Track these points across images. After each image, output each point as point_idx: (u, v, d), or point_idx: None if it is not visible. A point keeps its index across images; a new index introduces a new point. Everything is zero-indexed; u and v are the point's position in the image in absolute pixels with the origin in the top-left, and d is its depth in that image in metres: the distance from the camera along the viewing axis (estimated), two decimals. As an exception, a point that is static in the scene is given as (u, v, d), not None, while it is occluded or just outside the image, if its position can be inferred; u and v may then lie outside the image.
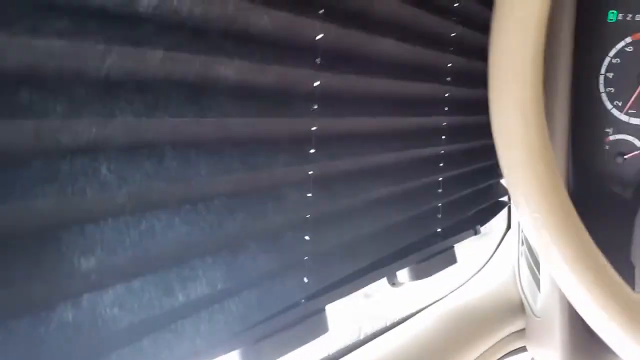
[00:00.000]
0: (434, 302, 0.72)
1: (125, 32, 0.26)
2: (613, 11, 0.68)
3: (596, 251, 0.47)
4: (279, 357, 0.43)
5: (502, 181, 0.81)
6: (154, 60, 0.28)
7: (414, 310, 0.70)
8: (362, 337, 0.63)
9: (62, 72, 0.24)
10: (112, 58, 0.26)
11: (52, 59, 0.23)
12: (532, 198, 0.42)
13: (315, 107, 0.41)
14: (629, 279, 0.70)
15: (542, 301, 0.69)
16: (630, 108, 0.70)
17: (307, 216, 0.44)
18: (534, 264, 0.71)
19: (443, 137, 0.62)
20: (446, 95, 0.62)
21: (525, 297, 0.74)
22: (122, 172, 0.27)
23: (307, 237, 0.44)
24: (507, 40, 0.44)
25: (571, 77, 0.71)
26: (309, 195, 0.43)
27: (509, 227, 0.87)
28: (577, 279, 0.44)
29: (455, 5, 0.59)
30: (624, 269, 0.70)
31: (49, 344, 0.27)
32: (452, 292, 0.76)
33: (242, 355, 0.40)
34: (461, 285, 0.78)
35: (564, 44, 0.68)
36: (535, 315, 0.72)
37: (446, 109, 0.62)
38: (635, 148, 0.71)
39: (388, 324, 0.67)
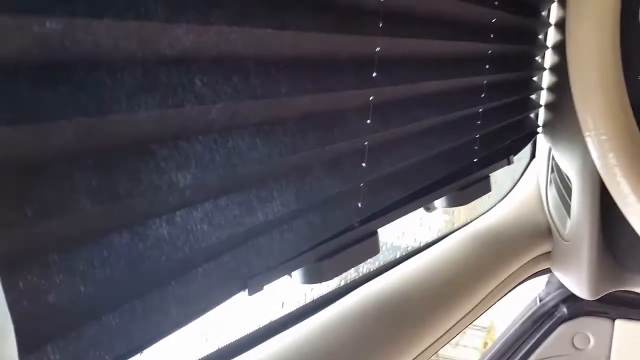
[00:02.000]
0: (464, 225, 0.74)
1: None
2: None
3: None
4: (336, 276, 0.44)
5: (532, 115, 0.81)
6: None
7: (445, 233, 0.72)
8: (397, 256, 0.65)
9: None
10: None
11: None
12: (601, 120, 0.42)
13: (380, 25, 0.39)
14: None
15: (571, 226, 0.71)
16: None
17: (365, 143, 0.43)
18: (565, 191, 0.73)
19: (486, 66, 0.61)
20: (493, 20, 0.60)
21: (553, 222, 0.76)
22: (215, 86, 0.27)
23: (363, 164, 0.44)
24: None
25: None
26: (368, 122, 0.42)
27: (532, 156, 0.88)
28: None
29: None
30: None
31: (147, 258, 0.27)
32: (479, 216, 0.78)
33: (304, 273, 0.41)
34: (488, 210, 0.80)
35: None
36: (563, 239, 0.74)
37: (492, 36, 0.60)
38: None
39: (421, 244, 0.69)
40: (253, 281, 0.35)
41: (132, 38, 0.22)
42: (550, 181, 0.77)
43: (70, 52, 0.21)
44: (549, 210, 0.77)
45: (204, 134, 0.28)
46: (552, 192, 0.76)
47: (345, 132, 0.40)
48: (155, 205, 0.27)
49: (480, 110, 0.63)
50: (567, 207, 0.72)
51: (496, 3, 0.59)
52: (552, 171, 0.76)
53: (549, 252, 0.77)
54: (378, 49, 0.40)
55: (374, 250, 0.48)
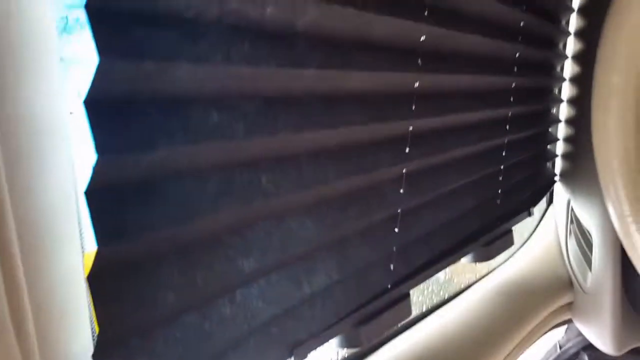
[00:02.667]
0: (483, 276, 0.76)
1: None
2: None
3: None
4: (373, 341, 0.46)
5: (549, 164, 0.84)
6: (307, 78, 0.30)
7: (465, 285, 0.74)
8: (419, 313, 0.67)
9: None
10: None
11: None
12: (625, 199, 0.44)
13: (413, 107, 0.43)
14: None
15: (593, 279, 0.72)
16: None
17: (398, 211, 0.46)
18: (585, 244, 0.74)
19: (507, 126, 0.64)
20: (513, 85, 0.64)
21: (574, 273, 0.77)
22: (276, 181, 0.30)
23: (396, 230, 0.47)
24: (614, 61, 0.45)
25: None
26: (401, 191, 0.45)
27: (549, 202, 0.90)
28: None
29: None
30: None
31: (212, 335, 0.30)
32: (499, 266, 0.80)
33: (343, 339, 0.44)
34: (507, 260, 0.81)
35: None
36: (584, 291, 0.75)
37: (512, 99, 0.64)
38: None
39: (445, 297, 0.70)
40: (299, 350, 0.37)
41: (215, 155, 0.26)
42: (570, 232, 0.79)
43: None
44: (569, 261, 0.78)
45: (264, 220, 0.31)
46: (572, 243, 0.78)
47: (381, 203, 0.43)
48: (221, 288, 0.30)
49: (502, 166, 0.66)
50: (588, 259, 0.73)
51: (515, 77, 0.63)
52: (572, 222, 0.78)
53: (571, 302, 0.78)
54: (411, 127, 0.44)
55: (407, 312, 0.50)
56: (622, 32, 0.45)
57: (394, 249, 0.47)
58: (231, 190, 0.27)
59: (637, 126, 0.46)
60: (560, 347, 0.94)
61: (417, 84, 0.42)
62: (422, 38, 0.41)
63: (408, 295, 0.50)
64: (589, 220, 0.71)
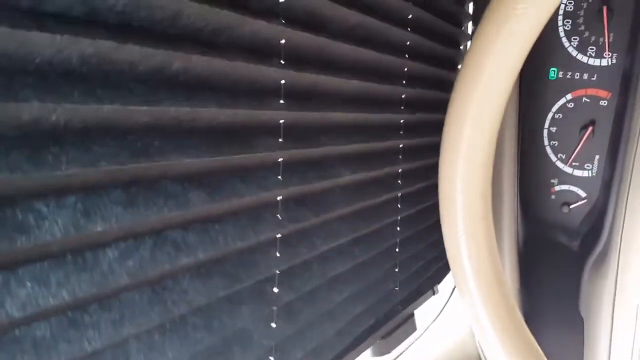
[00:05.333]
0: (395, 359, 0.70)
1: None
2: (554, 69, 0.70)
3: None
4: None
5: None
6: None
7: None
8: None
9: None
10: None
11: None
12: (477, 296, 0.41)
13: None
14: (579, 332, 0.71)
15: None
16: (573, 160, 0.72)
17: (274, 308, 0.39)
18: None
19: (398, 205, 0.61)
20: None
21: (484, 354, 0.73)
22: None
23: (273, 325, 0.40)
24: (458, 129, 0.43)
25: (518, 132, 0.73)
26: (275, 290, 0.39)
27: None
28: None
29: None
30: (573, 322, 0.72)
31: None
32: (406, 349, 0.74)
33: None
34: (415, 341, 0.76)
35: (510, 100, 0.70)
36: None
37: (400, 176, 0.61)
38: (580, 198, 0.73)
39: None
40: None
41: None
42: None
43: None
44: (478, 340, 0.75)
45: None
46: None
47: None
48: None
49: (397, 240, 0.61)
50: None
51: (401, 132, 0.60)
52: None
53: (483, 385, 0.74)
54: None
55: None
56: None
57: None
58: None
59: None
60: None
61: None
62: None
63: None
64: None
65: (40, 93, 0.19)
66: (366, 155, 0.50)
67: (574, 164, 0.73)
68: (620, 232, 0.63)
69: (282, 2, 0.33)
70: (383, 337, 0.55)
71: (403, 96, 0.58)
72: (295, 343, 0.40)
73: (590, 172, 0.72)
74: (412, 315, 0.63)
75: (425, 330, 0.79)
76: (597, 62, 0.68)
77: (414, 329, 0.62)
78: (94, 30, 0.21)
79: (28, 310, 0.19)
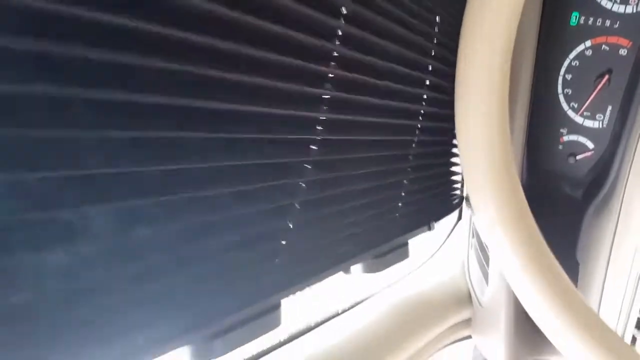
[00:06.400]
0: (383, 290, 0.73)
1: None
2: (575, 14, 0.69)
3: (547, 253, 0.48)
4: (230, 351, 0.42)
5: (457, 177, 0.83)
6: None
7: (363, 297, 0.71)
8: (312, 323, 0.63)
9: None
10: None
11: None
12: (491, 201, 0.42)
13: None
14: (573, 276, 0.73)
15: (489, 293, 0.72)
16: (585, 110, 0.72)
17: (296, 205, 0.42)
18: (484, 258, 0.74)
19: (415, 138, 0.62)
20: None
21: (473, 289, 0.76)
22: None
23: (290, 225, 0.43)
24: (475, 46, 0.43)
25: (532, 76, 0.72)
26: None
27: (459, 218, 0.89)
28: (527, 279, 0.46)
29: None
30: (569, 266, 0.74)
31: None
32: (400, 280, 0.78)
33: (193, 352, 0.39)
34: (410, 274, 0.80)
35: (528, 44, 0.69)
36: (481, 306, 0.74)
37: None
38: (587, 149, 0.73)
39: (339, 311, 0.67)
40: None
41: None
42: (471, 246, 0.78)
43: None
44: (469, 276, 0.78)
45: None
46: (473, 257, 0.77)
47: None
48: None
49: (405, 180, 0.63)
50: (486, 273, 0.73)
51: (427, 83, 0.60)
52: (473, 236, 0.77)
53: (470, 319, 0.77)
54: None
55: (276, 322, 0.46)
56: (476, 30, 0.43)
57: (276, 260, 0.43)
58: None
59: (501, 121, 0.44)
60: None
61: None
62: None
63: (279, 305, 0.46)
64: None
65: None
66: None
67: (585, 113, 0.72)
68: (625, 182, 0.64)
69: None
70: (376, 257, 0.59)
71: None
72: (304, 242, 0.44)
73: (600, 123, 0.72)
74: (407, 243, 0.65)
75: (420, 266, 0.83)
76: (621, 8, 0.67)
77: (406, 256, 0.65)
78: None
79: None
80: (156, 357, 0.35)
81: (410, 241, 0.68)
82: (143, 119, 0.28)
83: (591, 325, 0.43)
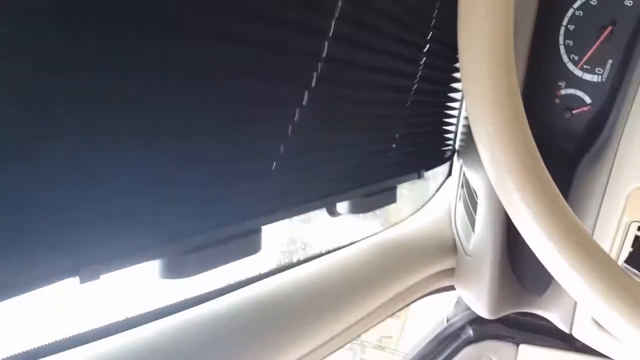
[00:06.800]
0: (370, 236, 0.73)
1: None
2: (583, -40, 0.67)
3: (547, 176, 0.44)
4: (204, 271, 0.41)
5: (451, 135, 0.82)
6: None
7: (350, 241, 0.71)
8: (294, 260, 0.62)
9: None
10: None
11: None
12: (489, 110, 0.40)
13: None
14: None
15: (474, 241, 0.71)
16: (585, 63, 0.70)
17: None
18: (471, 204, 0.73)
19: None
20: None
21: (459, 238, 0.76)
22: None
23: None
24: None
25: (533, 25, 0.70)
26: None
27: (449, 174, 0.89)
28: (527, 204, 0.43)
29: None
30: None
31: None
32: (386, 230, 0.77)
33: (163, 266, 0.38)
34: (397, 223, 0.79)
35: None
36: (466, 254, 0.74)
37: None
38: (584, 104, 0.71)
39: (323, 251, 0.67)
40: (87, 269, 0.31)
41: None
42: (460, 197, 0.77)
43: None
44: (455, 225, 0.77)
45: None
46: (460, 207, 0.77)
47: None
48: None
49: (401, 125, 0.62)
50: (473, 221, 0.72)
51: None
52: (462, 187, 0.77)
53: (453, 268, 0.77)
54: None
55: (255, 247, 0.45)
56: None
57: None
58: None
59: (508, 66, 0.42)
60: (447, 320, 0.94)
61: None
62: None
63: (259, 230, 0.45)
64: (476, 178, 0.69)
65: None
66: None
67: (585, 66, 0.71)
68: (619, 137, 0.63)
69: None
70: (364, 196, 0.58)
71: None
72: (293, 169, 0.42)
73: (600, 77, 0.70)
74: (395, 187, 0.64)
75: (407, 217, 0.82)
76: (630, -46, 0.64)
77: (393, 200, 0.64)
78: None
79: None
80: (124, 268, 0.34)
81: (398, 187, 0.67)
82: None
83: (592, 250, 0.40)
